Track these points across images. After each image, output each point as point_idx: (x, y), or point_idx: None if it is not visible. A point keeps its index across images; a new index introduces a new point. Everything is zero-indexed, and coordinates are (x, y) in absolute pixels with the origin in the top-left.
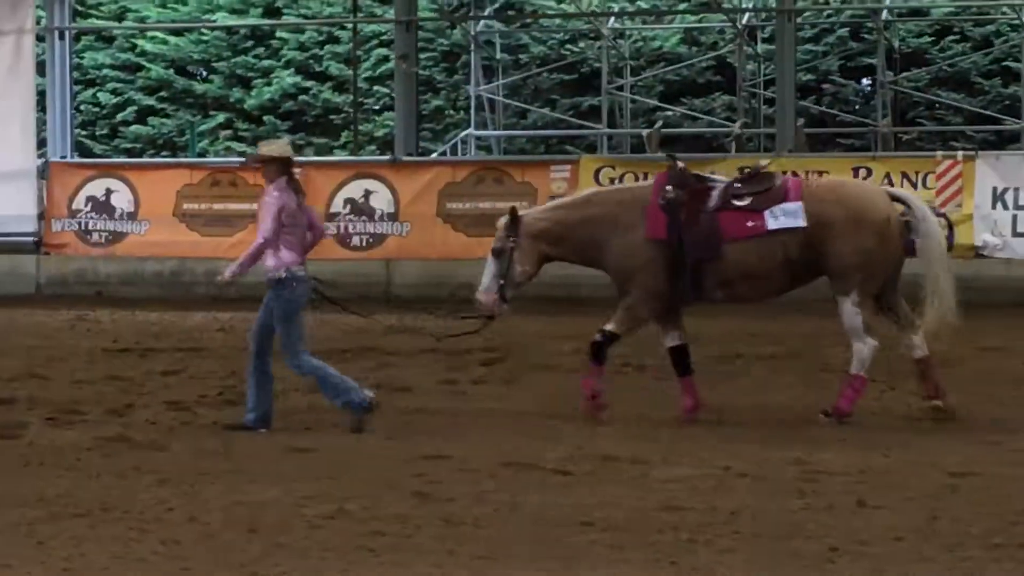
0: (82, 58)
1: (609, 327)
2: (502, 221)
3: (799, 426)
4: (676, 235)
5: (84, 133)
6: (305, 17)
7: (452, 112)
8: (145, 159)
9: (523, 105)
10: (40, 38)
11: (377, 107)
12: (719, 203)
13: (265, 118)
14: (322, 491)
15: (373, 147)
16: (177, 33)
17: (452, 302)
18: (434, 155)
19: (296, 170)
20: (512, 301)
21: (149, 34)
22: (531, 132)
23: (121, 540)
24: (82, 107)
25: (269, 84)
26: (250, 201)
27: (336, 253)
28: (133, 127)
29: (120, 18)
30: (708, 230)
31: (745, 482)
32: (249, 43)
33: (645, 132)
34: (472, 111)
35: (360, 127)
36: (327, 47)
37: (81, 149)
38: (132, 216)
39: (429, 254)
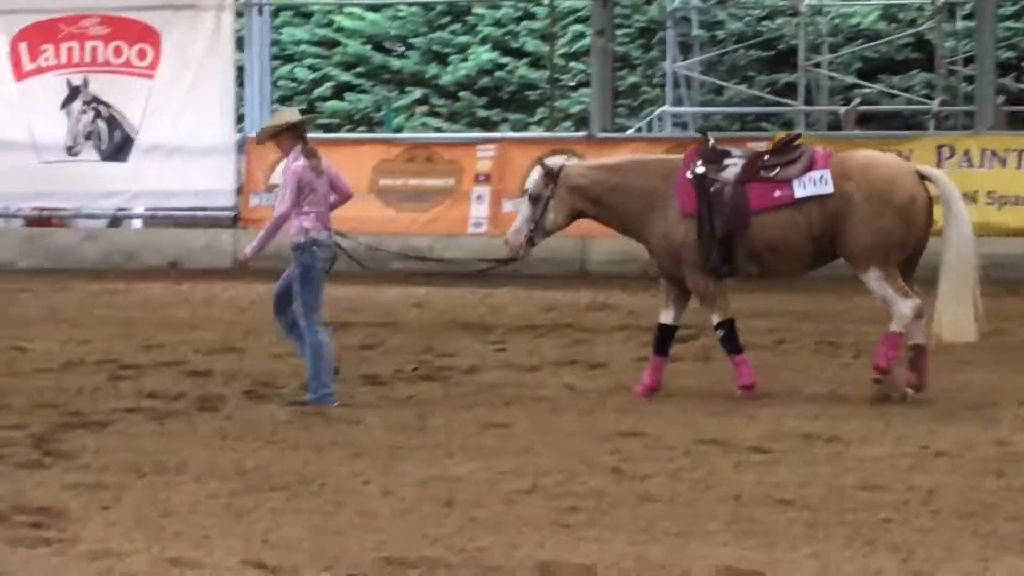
0: (280, 34)
1: (714, 318)
2: (540, 169)
3: (1000, 406)
4: (706, 208)
5: (282, 108)
6: None
7: (648, 88)
8: (341, 134)
9: (719, 82)
10: (239, 13)
11: (573, 83)
12: (748, 175)
13: (461, 94)
14: (518, 466)
15: (568, 123)
16: (374, 9)
17: (644, 280)
18: (629, 131)
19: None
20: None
21: (347, 10)
22: (727, 109)
23: (318, 513)
24: (279, 82)
25: (465, 60)
26: (445, 177)
27: None
28: (330, 103)
29: None
30: (736, 202)
31: (943, 461)
32: (446, 19)
33: (842, 109)
34: (668, 87)
35: (556, 103)
36: (523, 23)
37: None
38: None
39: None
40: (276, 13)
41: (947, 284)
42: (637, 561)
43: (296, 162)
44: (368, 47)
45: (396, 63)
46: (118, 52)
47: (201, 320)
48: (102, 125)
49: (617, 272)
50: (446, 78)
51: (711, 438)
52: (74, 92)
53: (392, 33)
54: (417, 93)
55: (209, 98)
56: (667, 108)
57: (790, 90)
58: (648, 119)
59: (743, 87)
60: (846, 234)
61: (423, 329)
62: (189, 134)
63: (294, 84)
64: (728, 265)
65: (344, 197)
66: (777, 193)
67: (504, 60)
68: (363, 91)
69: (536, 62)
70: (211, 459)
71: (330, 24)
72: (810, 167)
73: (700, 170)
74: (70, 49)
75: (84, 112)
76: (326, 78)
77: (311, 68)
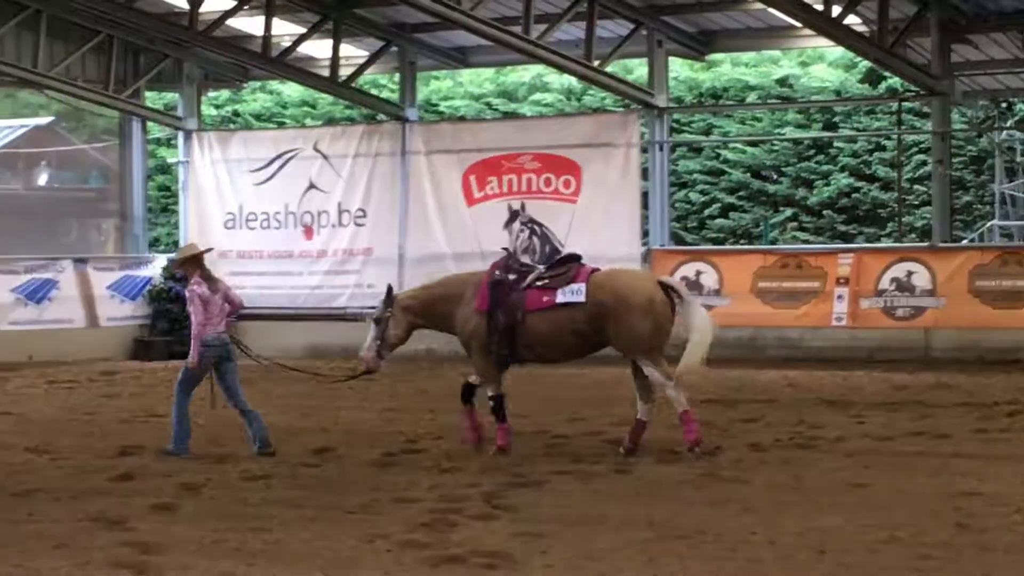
0: (677, 165)
1: (489, 392)
2: (382, 297)
3: None
4: (495, 307)
5: (678, 225)
6: (857, 130)
7: (979, 206)
8: (727, 247)
9: None
10: (644, 150)
11: (916, 202)
12: (528, 283)
13: (824, 212)
14: (878, 520)
15: (914, 235)
16: (753, 144)
17: (980, 364)
18: (964, 242)
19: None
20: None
21: (730, 145)
22: None
23: (715, 559)
24: (676, 204)
25: (828, 184)
26: (812, 280)
27: (883, 323)
28: (717, 220)
29: (707, 133)
30: (515, 303)
31: None
32: (811, 151)
33: None
34: (996, 205)
35: (903, 219)
36: (875, 154)
37: (676, 239)
38: (717, 292)
39: (961, 323)
40: (673, 149)
41: (690, 352)
42: None
43: (197, 286)
44: (748, 175)
45: (771, 188)
46: (548, 183)
47: (615, 398)
48: (536, 241)
49: (957, 357)
50: (812, 199)
51: None
52: (514, 215)
53: (768, 163)
54: (788, 212)
55: (620, 218)
56: (996, 222)
57: None
58: (980, 231)
59: None
60: (609, 333)
61: (797, 405)
62: (604, 247)
63: (688, 206)
64: (509, 351)
65: (236, 308)
66: (545, 298)
67: (859, 184)
68: (744, 211)
69: (886, 186)
70: (626, 512)
71: (717, 157)
72: (572, 280)
73: (496, 277)
74: (510, 180)
75: (522, 231)
76: (714, 200)
77: (702, 192)
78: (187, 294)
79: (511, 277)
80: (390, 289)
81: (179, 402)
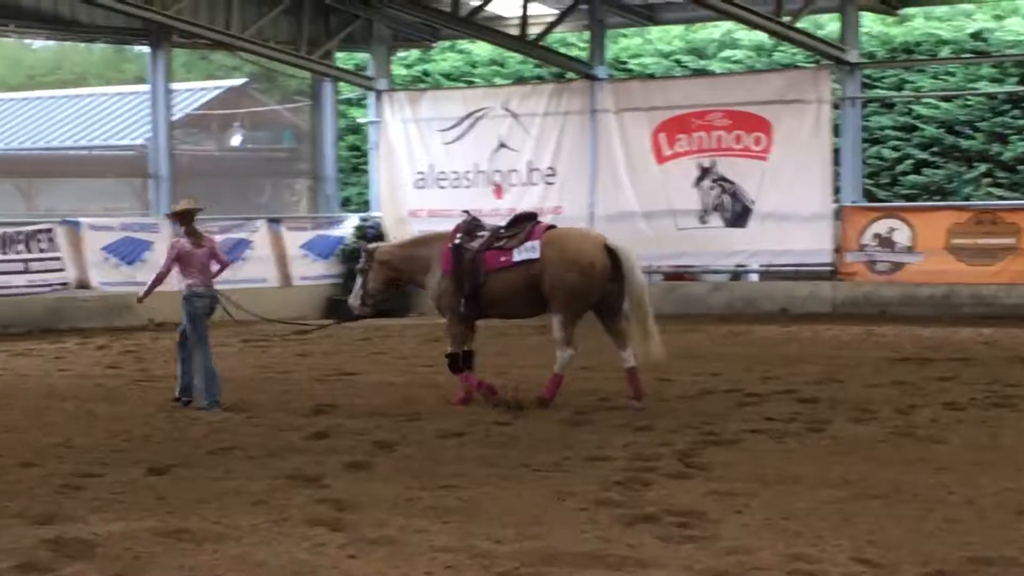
0: (868, 121)
1: (448, 351)
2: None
3: None
4: (459, 269)
5: (870, 182)
6: None
7: None
8: (920, 203)
9: None
10: (835, 106)
11: None
12: (487, 244)
13: (1019, 168)
14: None
15: None
16: (946, 99)
17: None
18: None
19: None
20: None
21: (923, 100)
22: None
23: (911, 518)
24: (868, 161)
25: (1023, 140)
26: (1008, 236)
27: None
28: (910, 177)
29: (899, 88)
30: (476, 264)
31: None
32: (1006, 106)
33: None
34: None
35: None
36: None
37: (868, 195)
38: (910, 249)
39: None
40: (865, 105)
41: (631, 325)
42: None
43: (179, 238)
44: (941, 130)
45: (965, 143)
46: (738, 140)
47: (808, 356)
48: (726, 199)
49: None
50: (1007, 155)
51: None
52: (704, 172)
53: (961, 119)
54: (983, 168)
55: (811, 175)
56: None
57: None
58: None
59: None
60: (544, 286)
61: (993, 363)
62: (795, 204)
63: (880, 162)
64: (475, 310)
65: (223, 265)
66: (503, 258)
67: None
68: (937, 167)
69: None
70: (821, 472)
71: (909, 112)
72: (527, 238)
73: (457, 241)
74: (700, 138)
75: (712, 188)
76: (907, 157)
77: (894, 148)
78: (170, 245)
79: (473, 241)
80: (365, 247)
81: (204, 356)
